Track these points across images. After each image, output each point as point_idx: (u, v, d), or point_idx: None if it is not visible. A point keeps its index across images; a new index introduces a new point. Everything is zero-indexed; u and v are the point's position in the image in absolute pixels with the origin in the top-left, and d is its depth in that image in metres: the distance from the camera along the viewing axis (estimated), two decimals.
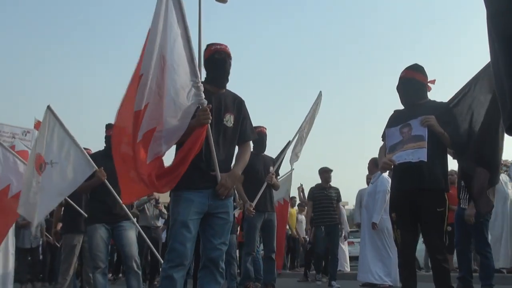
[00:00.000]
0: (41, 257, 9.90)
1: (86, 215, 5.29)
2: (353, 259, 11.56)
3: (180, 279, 2.79)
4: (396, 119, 3.76)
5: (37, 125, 7.67)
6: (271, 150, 5.78)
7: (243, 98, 3.18)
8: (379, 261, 6.80)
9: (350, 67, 57.83)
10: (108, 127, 4.71)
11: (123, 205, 4.56)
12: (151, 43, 2.85)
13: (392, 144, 3.66)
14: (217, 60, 3.07)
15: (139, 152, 2.81)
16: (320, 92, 6.34)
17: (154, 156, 2.83)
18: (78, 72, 54.59)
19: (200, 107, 2.83)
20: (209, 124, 2.90)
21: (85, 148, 4.70)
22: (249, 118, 3.20)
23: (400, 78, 3.75)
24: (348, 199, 24.16)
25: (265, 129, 5.77)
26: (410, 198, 3.53)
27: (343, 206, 9.61)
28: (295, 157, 6.16)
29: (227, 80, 3.11)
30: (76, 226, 5.37)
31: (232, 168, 3.07)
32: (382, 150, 3.82)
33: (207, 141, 2.88)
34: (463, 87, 3.72)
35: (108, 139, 4.67)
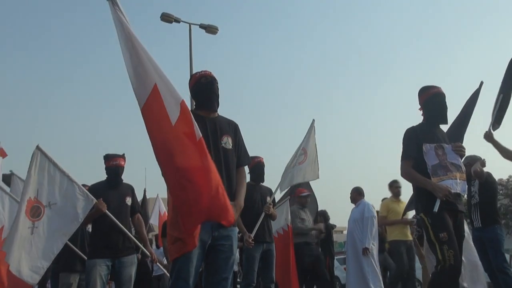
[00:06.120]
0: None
1: (82, 255, 5.29)
2: None
3: None
4: (425, 136, 3.64)
5: (1, 152, 7.06)
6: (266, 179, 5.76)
7: (237, 123, 3.15)
8: (366, 286, 6.72)
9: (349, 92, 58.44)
10: (106, 158, 4.63)
11: (131, 237, 4.55)
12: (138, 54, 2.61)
13: (432, 164, 3.56)
14: (204, 84, 3.05)
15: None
16: (313, 120, 6.42)
17: None
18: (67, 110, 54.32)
19: None
20: (207, 149, 2.82)
21: (83, 185, 4.64)
22: (244, 142, 3.16)
23: (440, 94, 3.73)
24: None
25: (263, 159, 5.73)
26: (453, 218, 3.59)
27: (341, 231, 9.65)
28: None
29: (217, 103, 3.07)
30: (72, 266, 5.35)
31: (235, 196, 2.95)
32: (415, 170, 3.58)
33: None
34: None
35: (108, 170, 4.60)
